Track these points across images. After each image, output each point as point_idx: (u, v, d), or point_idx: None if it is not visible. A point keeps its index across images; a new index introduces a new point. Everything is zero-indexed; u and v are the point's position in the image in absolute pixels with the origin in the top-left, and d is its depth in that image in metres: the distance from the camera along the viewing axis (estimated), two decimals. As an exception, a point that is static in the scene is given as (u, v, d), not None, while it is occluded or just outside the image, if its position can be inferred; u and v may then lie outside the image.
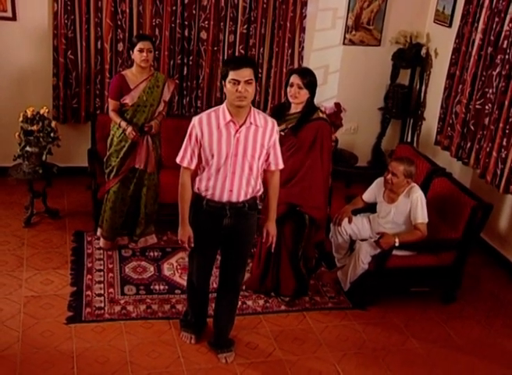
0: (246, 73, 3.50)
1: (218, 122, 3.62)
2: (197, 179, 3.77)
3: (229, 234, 3.85)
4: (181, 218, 3.84)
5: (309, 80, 4.41)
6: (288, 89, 4.46)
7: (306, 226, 4.63)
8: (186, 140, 3.72)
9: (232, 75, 3.51)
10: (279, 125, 4.49)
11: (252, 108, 3.68)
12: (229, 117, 3.61)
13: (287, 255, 4.70)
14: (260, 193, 3.87)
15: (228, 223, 3.79)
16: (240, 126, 3.63)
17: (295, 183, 4.49)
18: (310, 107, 4.50)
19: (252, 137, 3.66)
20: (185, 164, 3.73)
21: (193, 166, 3.73)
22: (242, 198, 3.76)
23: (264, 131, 3.70)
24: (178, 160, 3.76)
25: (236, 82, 3.49)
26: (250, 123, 3.65)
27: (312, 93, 4.47)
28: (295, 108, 4.52)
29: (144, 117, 4.98)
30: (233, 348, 4.22)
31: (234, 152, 3.64)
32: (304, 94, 4.42)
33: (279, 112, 4.57)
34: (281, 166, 3.89)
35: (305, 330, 4.55)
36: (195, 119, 3.67)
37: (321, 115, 4.55)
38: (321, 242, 4.97)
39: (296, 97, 4.43)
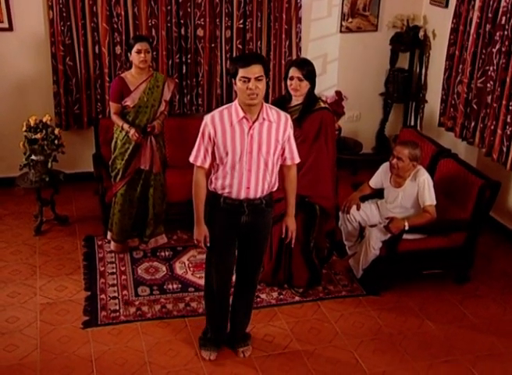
0: (255, 70, 3.44)
1: (230, 119, 3.57)
2: (213, 178, 3.71)
3: (246, 232, 3.80)
4: (196, 217, 3.77)
5: (308, 71, 4.40)
6: (288, 82, 4.45)
7: (317, 217, 4.63)
8: (198, 138, 3.65)
9: (241, 73, 3.45)
10: None
11: (264, 103, 3.62)
12: (242, 114, 3.55)
13: (299, 247, 4.70)
14: (275, 188, 3.82)
15: (245, 220, 3.74)
16: (253, 123, 3.57)
17: (302, 175, 4.48)
18: (311, 98, 4.50)
19: (266, 133, 3.60)
20: (198, 163, 3.67)
21: (206, 165, 3.67)
22: (259, 195, 3.70)
23: (278, 126, 3.64)
24: (191, 159, 3.69)
25: (247, 79, 3.44)
26: (264, 119, 3.59)
27: (312, 83, 4.46)
28: (296, 100, 4.51)
29: (146, 118, 4.99)
30: (250, 342, 4.23)
31: (249, 149, 3.58)
32: (305, 85, 4.41)
33: (280, 105, 4.56)
34: (297, 160, 3.83)
35: (320, 320, 4.56)
36: (207, 118, 3.61)
37: (322, 105, 4.55)
38: (332, 231, 4.97)
39: (298, 89, 4.42)
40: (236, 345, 4.18)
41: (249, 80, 3.43)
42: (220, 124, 3.57)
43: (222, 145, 3.58)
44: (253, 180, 3.65)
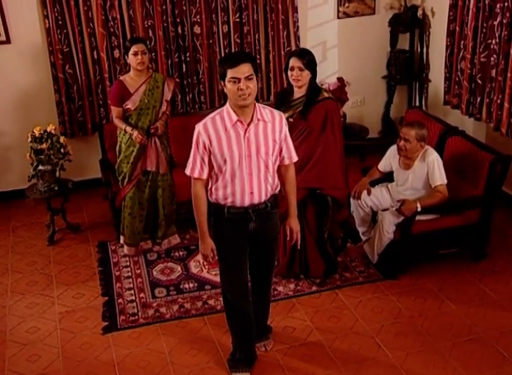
0: (245, 69, 3.29)
1: (224, 124, 3.42)
2: (213, 188, 3.56)
3: (255, 238, 3.67)
4: (200, 231, 3.65)
5: (308, 60, 4.36)
6: (289, 73, 4.41)
7: (329, 208, 4.60)
8: (193, 149, 3.50)
9: (230, 73, 3.30)
10: (285, 112, 4.48)
11: (256, 103, 3.47)
12: (235, 117, 3.40)
13: (312, 239, 4.68)
14: (278, 189, 3.71)
15: (253, 226, 3.61)
16: (248, 125, 3.42)
17: (311, 168, 4.46)
18: (314, 89, 4.46)
19: (262, 133, 3.46)
20: (196, 175, 3.52)
21: (204, 176, 3.52)
22: (263, 198, 3.57)
23: (274, 126, 3.50)
24: (188, 172, 3.55)
25: (237, 80, 3.29)
26: (258, 120, 3.44)
27: (313, 73, 4.42)
28: (299, 92, 4.48)
29: (148, 119, 4.98)
30: (271, 335, 4.20)
31: (247, 153, 3.44)
32: (306, 75, 4.37)
33: (283, 99, 4.56)
34: (295, 158, 3.70)
35: (339, 308, 4.54)
36: (200, 127, 3.45)
37: (326, 95, 4.51)
38: (346, 220, 4.93)
39: (299, 79, 4.38)
40: (258, 340, 4.13)
41: (239, 80, 3.29)
42: (214, 131, 3.43)
43: (220, 153, 3.43)
44: (255, 183, 3.52)
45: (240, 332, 3.97)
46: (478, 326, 4.28)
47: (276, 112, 3.56)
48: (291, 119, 4.43)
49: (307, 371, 3.96)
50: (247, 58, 3.40)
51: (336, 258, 4.87)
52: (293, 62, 4.36)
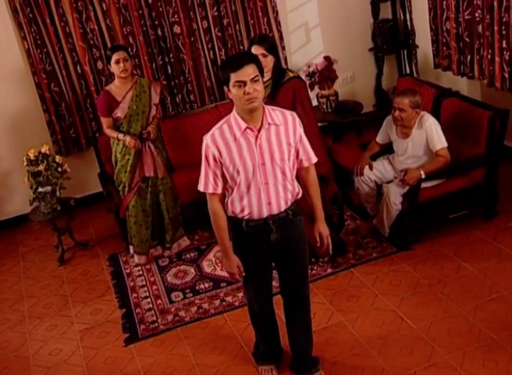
0: (250, 71, 3.07)
1: (233, 133, 3.19)
2: (228, 201, 3.35)
3: (280, 249, 3.44)
4: (222, 248, 3.44)
5: (269, 45, 4.35)
6: None
7: None
8: (203, 163, 3.27)
9: (234, 77, 3.07)
10: None
11: (265, 106, 3.26)
12: (244, 125, 3.18)
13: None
14: (300, 195, 3.44)
15: (276, 238, 3.38)
16: (259, 131, 3.20)
17: None
18: (279, 71, 4.44)
19: (275, 138, 3.23)
20: (210, 190, 3.28)
21: (220, 190, 3.29)
22: (284, 207, 3.35)
23: (287, 128, 3.27)
24: (201, 188, 3.31)
25: (242, 83, 3.06)
26: (269, 124, 3.21)
27: (276, 56, 4.41)
28: (265, 77, 4.43)
29: (139, 125, 4.95)
30: (320, 366, 3.82)
31: (261, 161, 3.21)
32: (271, 60, 4.34)
33: None
34: (314, 159, 3.45)
35: (357, 286, 4.50)
36: (207, 138, 3.23)
37: (291, 74, 4.48)
38: (336, 196, 4.79)
39: (265, 65, 4.31)
40: (306, 373, 3.80)
41: (245, 83, 3.06)
42: (223, 142, 3.20)
43: (231, 164, 3.22)
44: (272, 193, 3.29)
45: (266, 332, 3.89)
46: (499, 284, 4.23)
47: (288, 113, 3.34)
48: None
49: (334, 354, 3.92)
50: (250, 58, 3.17)
51: (337, 236, 4.79)
52: (256, 50, 4.28)
